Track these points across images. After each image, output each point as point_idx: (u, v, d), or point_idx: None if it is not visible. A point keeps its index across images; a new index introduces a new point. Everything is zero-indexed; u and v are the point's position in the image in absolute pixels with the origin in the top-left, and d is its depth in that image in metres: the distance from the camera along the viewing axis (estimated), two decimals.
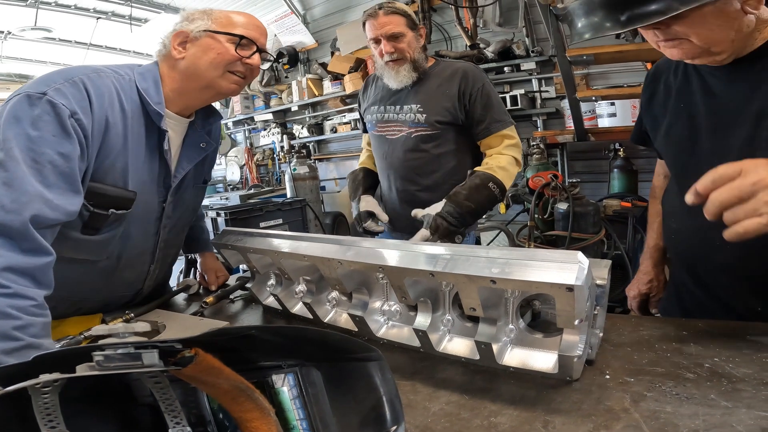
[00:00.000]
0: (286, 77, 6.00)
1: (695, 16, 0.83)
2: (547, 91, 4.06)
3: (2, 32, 5.51)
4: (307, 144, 5.76)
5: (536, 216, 2.92)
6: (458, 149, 1.80)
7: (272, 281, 1.23)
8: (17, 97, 0.96)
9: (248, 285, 1.32)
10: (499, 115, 1.76)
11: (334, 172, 5.84)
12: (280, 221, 3.59)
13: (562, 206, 2.76)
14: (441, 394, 0.76)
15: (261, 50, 1.21)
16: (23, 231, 0.87)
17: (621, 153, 3.54)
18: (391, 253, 0.88)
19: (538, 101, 4.07)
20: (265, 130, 6.30)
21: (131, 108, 1.11)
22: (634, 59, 3.34)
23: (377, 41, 1.74)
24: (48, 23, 5.32)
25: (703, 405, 0.64)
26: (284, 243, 1.08)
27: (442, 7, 4.36)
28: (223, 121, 6.46)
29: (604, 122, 3.59)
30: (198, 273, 1.60)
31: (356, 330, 1.01)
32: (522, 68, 4.03)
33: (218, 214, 3.28)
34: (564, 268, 0.68)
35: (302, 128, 5.86)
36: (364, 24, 1.78)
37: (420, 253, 0.85)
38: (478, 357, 0.83)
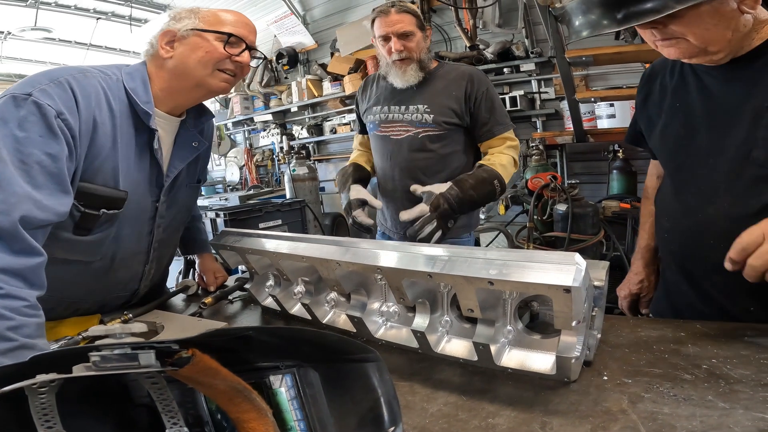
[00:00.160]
0: (286, 78, 6.00)
1: (692, 15, 0.84)
2: (546, 92, 4.06)
3: (2, 32, 5.51)
4: (307, 145, 5.76)
5: (535, 217, 2.92)
6: (463, 150, 1.84)
7: (271, 282, 1.23)
8: (3, 99, 0.96)
9: (247, 286, 1.32)
10: (502, 118, 1.80)
11: (334, 173, 5.84)
12: (280, 222, 3.59)
13: (561, 207, 2.76)
14: (439, 395, 0.76)
15: (250, 48, 1.20)
16: (13, 232, 0.87)
17: (620, 154, 3.55)
18: (389, 254, 0.88)
19: (538, 102, 4.07)
20: (264, 130, 6.30)
21: (119, 108, 1.11)
22: (633, 60, 3.34)
23: (386, 39, 1.75)
24: (48, 23, 5.32)
25: (701, 406, 0.64)
26: (283, 244, 1.08)
27: (442, 8, 4.37)
28: (222, 122, 6.50)
29: (603, 123, 3.59)
30: (196, 274, 1.60)
31: (354, 331, 1.01)
32: (521, 69, 4.03)
33: (217, 215, 3.28)
34: (561, 270, 0.68)
35: (302, 129, 5.86)
36: (372, 21, 1.79)
37: (418, 254, 0.85)
38: (476, 358, 0.83)
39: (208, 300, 1.32)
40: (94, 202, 1.09)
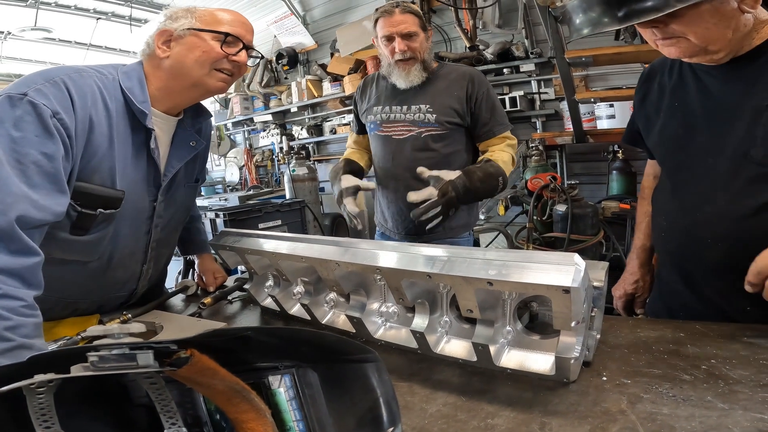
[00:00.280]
0: (286, 78, 5.99)
1: (692, 14, 0.84)
2: (546, 93, 4.06)
3: (2, 32, 5.52)
4: (307, 145, 5.76)
5: (535, 218, 2.92)
6: (465, 149, 1.87)
7: (270, 282, 1.23)
8: None
9: (246, 286, 1.32)
10: (502, 118, 1.84)
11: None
12: (279, 222, 3.59)
13: (561, 208, 2.76)
14: (438, 396, 0.76)
15: (247, 47, 1.20)
16: (9, 232, 0.87)
17: (620, 155, 3.55)
18: (389, 254, 0.88)
19: (537, 103, 4.07)
20: (264, 131, 6.30)
21: (116, 107, 1.10)
22: (632, 61, 3.34)
23: (390, 39, 1.76)
24: (48, 24, 5.32)
25: (700, 407, 0.64)
26: (282, 244, 1.08)
27: (442, 9, 4.37)
28: (222, 122, 6.50)
29: (602, 124, 3.59)
30: (196, 274, 1.60)
31: (354, 331, 1.01)
32: (521, 70, 4.03)
33: (217, 215, 3.28)
34: (561, 270, 0.68)
35: (301, 129, 5.86)
36: (375, 21, 1.80)
37: (417, 254, 0.85)
38: (475, 359, 0.83)
39: (208, 300, 1.32)
40: (91, 201, 1.09)
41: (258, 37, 1.25)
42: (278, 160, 5.94)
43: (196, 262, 1.60)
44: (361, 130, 2.04)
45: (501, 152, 1.76)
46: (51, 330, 1.14)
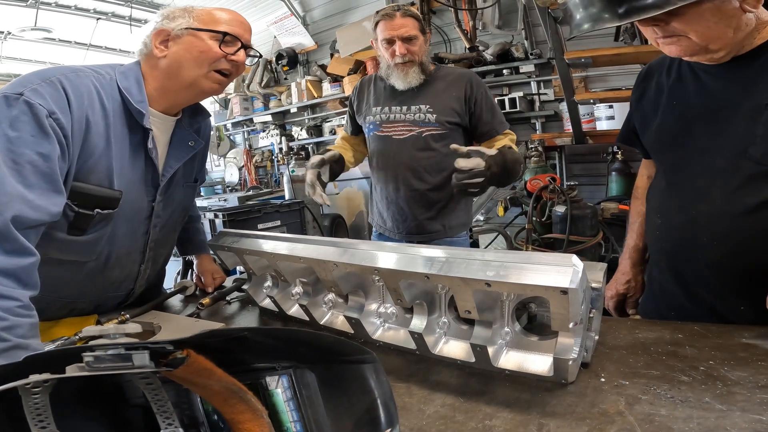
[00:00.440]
0: (286, 79, 6.00)
1: (694, 13, 0.84)
2: (545, 94, 4.07)
3: (2, 32, 5.52)
4: (306, 146, 5.76)
5: (534, 219, 2.92)
6: None
7: (269, 283, 1.23)
8: None
9: (245, 287, 1.32)
10: (501, 117, 1.89)
11: None
12: (278, 223, 3.59)
13: (560, 209, 2.76)
14: (436, 397, 0.76)
15: (246, 46, 1.20)
16: (5, 232, 0.87)
17: (619, 156, 3.55)
18: (387, 255, 0.88)
19: (537, 104, 4.08)
20: (264, 131, 6.30)
21: (113, 107, 1.10)
22: (632, 62, 3.34)
23: (390, 42, 1.79)
24: (48, 24, 5.33)
25: (698, 408, 0.64)
26: (280, 245, 1.08)
27: (442, 10, 4.37)
28: (222, 123, 6.50)
29: (602, 125, 3.60)
30: (194, 275, 1.59)
31: (352, 332, 1.00)
32: (521, 71, 4.04)
33: (216, 216, 3.29)
34: (559, 271, 0.68)
35: (301, 130, 5.86)
36: (376, 24, 1.82)
37: (416, 255, 0.85)
38: (473, 360, 0.83)
39: (206, 301, 1.31)
40: (88, 202, 1.08)
41: (258, 38, 1.24)
42: (278, 161, 5.95)
43: (195, 262, 1.60)
44: (355, 130, 2.05)
45: (509, 150, 1.76)
46: (48, 330, 1.14)
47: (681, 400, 0.67)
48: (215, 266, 1.58)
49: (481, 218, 3.52)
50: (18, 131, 0.93)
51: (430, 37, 1.89)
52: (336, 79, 5.15)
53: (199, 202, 4.56)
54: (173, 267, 1.69)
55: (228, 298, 1.39)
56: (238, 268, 1.37)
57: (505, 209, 3.50)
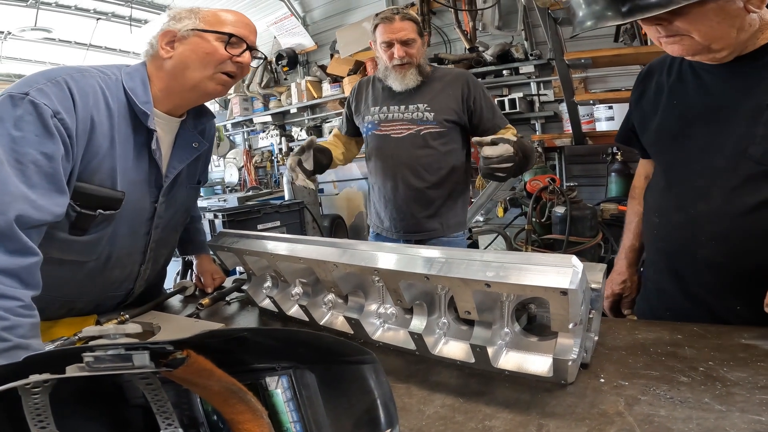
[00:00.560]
0: (285, 79, 6.00)
1: (697, 12, 0.84)
2: (545, 95, 4.07)
3: (2, 32, 5.52)
4: None
5: (534, 219, 2.93)
6: (461, 147, 1.92)
7: (268, 283, 1.23)
8: (0, 98, 0.96)
9: (244, 287, 1.31)
10: (500, 113, 1.94)
11: (332, 174, 5.82)
12: (278, 223, 3.59)
13: (560, 210, 2.77)
14: (436, 398, 0.76)
15: (251, 48, 1.20)
16: (8, 231, 0.87)
17: (619, 157, 3.55)
18: (387, 256, 0.88)
19: (537, 105, 4.08)
20: (263, 132, 6.30)
21: (118, 107, 1.10)
22: (631, 63, 3.34)
23: (389, 44, 1.82)
24: (48, 24, 5.33)
25: (697, 409, 0.64)
26: (280, 245, 1.08)
27: (442, 10, 4.38)
28: (221, 123, 6.49)
29: (602, 126, 3.60)
30: (194, 275, 1.59)
31: (352, 333, 1.00)
32: (521, 71, 4.04)
33: (216, 216, 3.28)
34: (558, 272, 0.68)
35: (301, 130, 5.86)
36: (375, 26, 1.85)
37: (415, 256, 0.85)
38: (473, 360, 0.83)
39: (206, 301, 1.31)
40: (91, 202, 1.08)
41: (258, 38, 1.25)
42: (277, 161, 5.94)
43: (195, 262, 1.60)
44: (349, 131, 2.06)
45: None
46: (48, 330, 1.13)
47: (680, 401, 0.67)
48: (215, 267, 1.58)
49: (481, 219, 3.52)
50: (22, 131, 0.93)
51: (428, 39, 1.92)
52: (336, 80, 5.15)
53: (199, 203, 4.54)
54: (173, 267, 1.69)
55: (228, 298, 1.39)
56: (237, 268, 1.37)
57: (505, 210, 3.51)
